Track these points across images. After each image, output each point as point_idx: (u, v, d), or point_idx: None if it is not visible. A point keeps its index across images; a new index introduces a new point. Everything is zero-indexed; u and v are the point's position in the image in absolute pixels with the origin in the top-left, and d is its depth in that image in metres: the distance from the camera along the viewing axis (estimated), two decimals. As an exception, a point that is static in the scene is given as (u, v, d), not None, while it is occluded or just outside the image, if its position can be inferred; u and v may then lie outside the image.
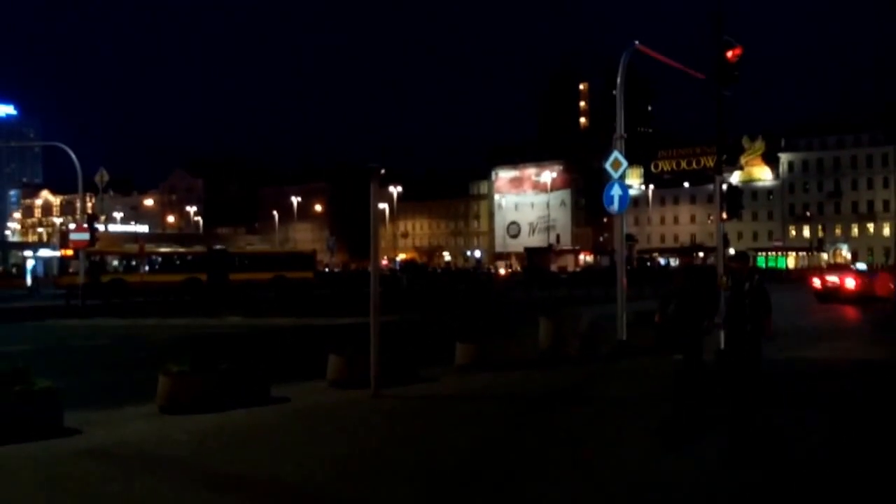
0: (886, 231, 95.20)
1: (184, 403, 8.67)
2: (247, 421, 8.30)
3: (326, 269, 71.42)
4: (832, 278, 30.15)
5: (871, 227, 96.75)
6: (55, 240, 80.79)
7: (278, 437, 7.69)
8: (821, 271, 38.14)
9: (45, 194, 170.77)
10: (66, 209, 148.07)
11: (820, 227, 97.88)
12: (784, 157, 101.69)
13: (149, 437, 7.63)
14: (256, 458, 6.82)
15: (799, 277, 50.66)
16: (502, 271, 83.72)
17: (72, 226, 41.49)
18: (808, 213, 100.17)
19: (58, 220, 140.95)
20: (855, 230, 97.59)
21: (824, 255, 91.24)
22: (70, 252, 38.41)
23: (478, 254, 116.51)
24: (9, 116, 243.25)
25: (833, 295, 28.30)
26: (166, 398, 8.79)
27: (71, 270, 38.38)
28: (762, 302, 8.48)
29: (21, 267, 54.90)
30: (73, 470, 6.52)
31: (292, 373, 11.45)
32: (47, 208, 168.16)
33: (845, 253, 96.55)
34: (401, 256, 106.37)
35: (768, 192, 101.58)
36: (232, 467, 6.56)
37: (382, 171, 9.84)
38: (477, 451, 7.08)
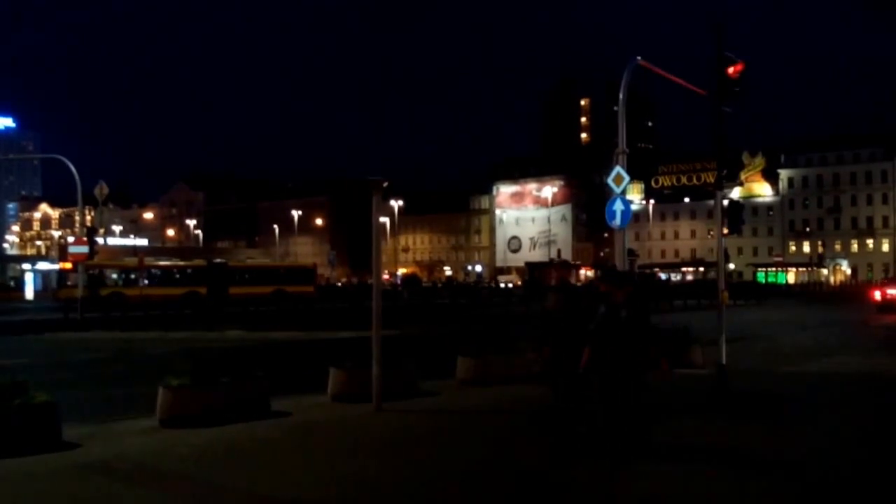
0: (886, 247, 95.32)
1: (184, 417, 8.61)
2: (248, 435, 8.24)
3: (336, 283, 71.32)
4: (892, 291, 33.37)
5: (870, 242, 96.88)
6: (54, 253, 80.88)
7: (279, 452, 7.62)
8: (881, 285, 41.98)
9: (44, 207, 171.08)
10: (65, 222, 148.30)
11: (820, 242, 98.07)
12: (784, 173, 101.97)
13: (149, 451, 7.57)
14: (257, 474, 6.75)
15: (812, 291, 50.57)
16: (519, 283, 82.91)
17: (71, 239, 41.52)
18: (807, 229, 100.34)
19: (56, 234, 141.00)
20: (854, 246, 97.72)
21: (824, 271, 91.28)
22: (69, 265, 38.44)
23: (479, 268, 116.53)
24: (8, 129, 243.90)
25: (893, 306, 30.78)
26: (166, 412, 8.72)
27: (70, 283, 38.37)
28: (641, 335, 6.92)
29: (19, 280, 54.82)
30: (73, 484, 6.46)
31: (293, 387, 11.38)
32: (46, 221, 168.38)
33: (845, 268, 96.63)
34: (402, 271, 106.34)
35: (768, 207, 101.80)
36: (233, 482, 6.49)
37: (385, 183, 9.78)
38: (479, 468, 7.02)
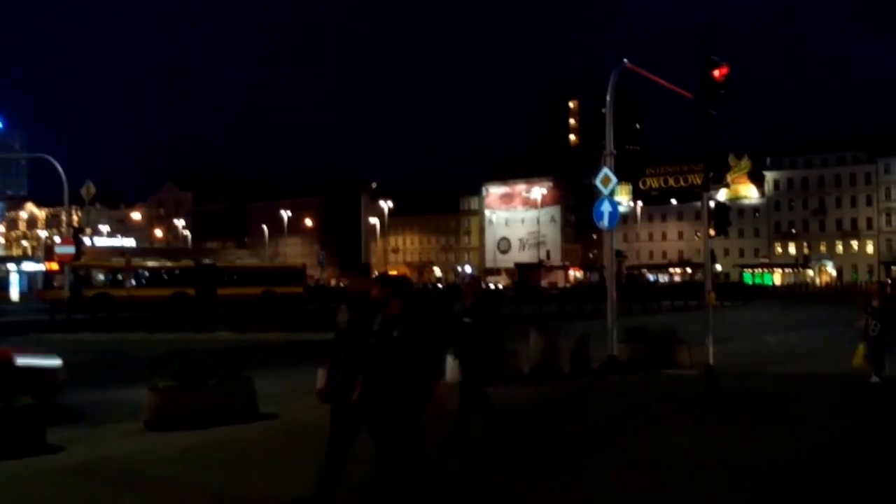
0: (870, 248, 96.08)
1: (170, 420, 8.56)
2: (234, 438, 8.20)
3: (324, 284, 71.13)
4: None
5: (854, 244, 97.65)
6: (40, 253, 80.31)
7: (266, 454, 7.59)
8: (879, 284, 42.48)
9: (30, 207, 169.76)
10: (52, 222, 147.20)
11: (805, 244, 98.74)
12: (770, 176, 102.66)
13: (134, 454, 7.52)
14: (244, 477, 6.73)
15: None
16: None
17: (57, 239, 41.25)
18: (793, 231, 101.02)
19: (43, 234, 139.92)
20: (839, 247, 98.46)
21: (810, 272, 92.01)
22: (55, 266, 38.14)
23: (468, 269, 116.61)
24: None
25: None
26: (152, 414, 8.68)
27: (56, 284, 38.08)
28: (417, 359, 5.20)
29: (4, 281, 54.37)
30: (57, 488, 6.41)
31: (281, 388, 11.34)
32: (32, 221, 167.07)
33: (830, 270, 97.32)
34: (391, 272, 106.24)
35: (754, 209, 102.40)
36: (219, 486, 6.46)
37: (374, 184, 9.75)
38: (464, 470, 7.02)
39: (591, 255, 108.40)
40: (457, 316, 7.88)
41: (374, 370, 5.21)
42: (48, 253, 44.21)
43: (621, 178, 14.58)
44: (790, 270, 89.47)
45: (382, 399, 5.20)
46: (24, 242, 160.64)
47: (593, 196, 14.66)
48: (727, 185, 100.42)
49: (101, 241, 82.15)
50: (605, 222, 14.07)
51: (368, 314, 5.39)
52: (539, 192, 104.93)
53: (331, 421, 5.71)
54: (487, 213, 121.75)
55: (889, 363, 11.83)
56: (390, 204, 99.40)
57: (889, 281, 45.19)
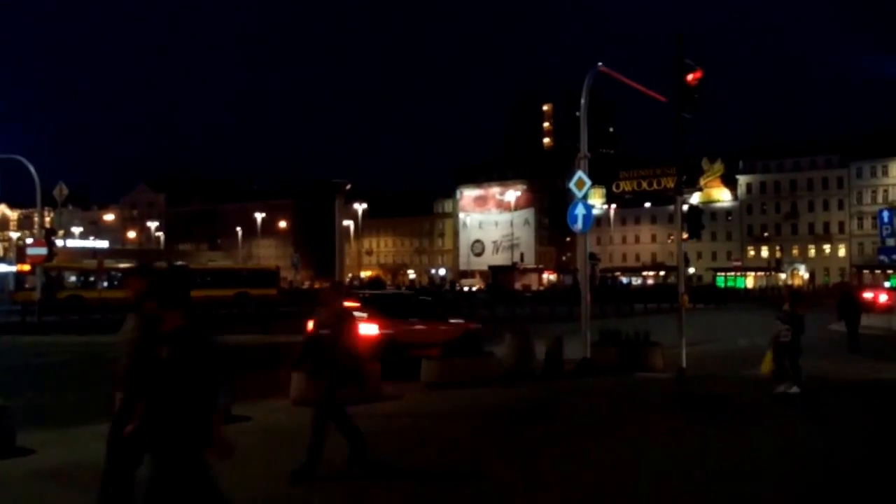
0: (842, 252, 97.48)
1: (142, 422, 8.47)
2: (207, 440, 8.14)
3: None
4: (867, 294, 35.54)
5: (827, 247, 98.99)
6: (11, 255, 79.05)
7: (238, 457, 7.53)
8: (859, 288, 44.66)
9: (2, 208, 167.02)
10: (24, 224, 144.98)
11: (777, 247, 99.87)
12: (742, 179, 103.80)
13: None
14: (216, 478, 6.68)
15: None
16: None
17: (29, 240, 40.71)
18: (765, 234, 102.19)
19: (15, 235, 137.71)
20: (812, 251, 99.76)
21: (782, 276, 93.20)
22: (27, 267, 37.63)
23: (442, 272, 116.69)
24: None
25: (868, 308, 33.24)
26: (124, 417, 8.59)
27: (27, 286, 37.56)
28: (191, 386, 4.08)
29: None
30: (27, 491, 6.34)
31: (254, 391, 11.29)
32: (4, 223, 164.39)
33: (803, 273, 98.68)
34: (365, 273, 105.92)
35: (727, 212, 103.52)
36: (192, 487, 6.43)
37: (348, 186, 9.76)
38: (442, 472, 7.06)
39: (564, 258, 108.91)
40: (315, 328, 7.23)
41: (148, 397, 4.12)
42: (20, 254, 43.61)
43: (595, 181, 14.67)
44: (763, 274, 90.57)
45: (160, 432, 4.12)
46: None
47: (567, 199, 14.77)
48: (700, 189, 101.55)
49: (73, 243, 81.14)
50: (578, 225, 14.17)
51: (150, 327, 4.20)
52: (513, 194, 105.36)
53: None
54: (461, 215, 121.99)
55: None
56: (364, 206, 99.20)
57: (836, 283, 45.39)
